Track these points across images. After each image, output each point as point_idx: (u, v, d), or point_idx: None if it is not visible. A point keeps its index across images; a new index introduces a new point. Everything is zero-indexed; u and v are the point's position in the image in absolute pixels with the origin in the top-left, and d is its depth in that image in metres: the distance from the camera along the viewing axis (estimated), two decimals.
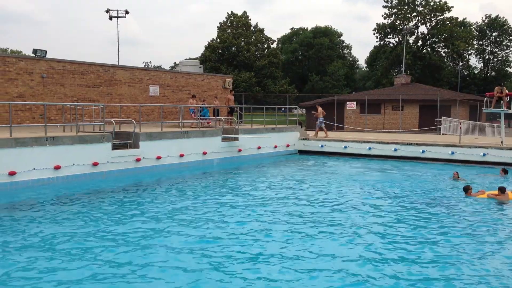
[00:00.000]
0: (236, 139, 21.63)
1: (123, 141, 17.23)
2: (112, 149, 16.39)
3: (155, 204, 12.25)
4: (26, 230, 9.63)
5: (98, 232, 9.52)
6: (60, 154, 14.75)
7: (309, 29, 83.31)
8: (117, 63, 41.88)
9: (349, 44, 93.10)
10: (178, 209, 11.73)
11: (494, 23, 72.41)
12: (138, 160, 17.20)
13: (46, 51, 21.49)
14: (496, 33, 73.00)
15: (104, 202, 12.51)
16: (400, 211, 11.73)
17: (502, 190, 12.79)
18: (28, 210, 11.48)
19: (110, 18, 49.89)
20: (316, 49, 77.15)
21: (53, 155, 14.56)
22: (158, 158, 17.95)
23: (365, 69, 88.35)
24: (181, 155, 18.93)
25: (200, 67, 32.15)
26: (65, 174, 14.90)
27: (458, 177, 16.21)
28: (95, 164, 15.70)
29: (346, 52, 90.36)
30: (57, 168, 14.63)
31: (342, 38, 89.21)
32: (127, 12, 50.10)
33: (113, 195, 13.54)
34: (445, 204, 12.59)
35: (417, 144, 22.31)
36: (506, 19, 72.29)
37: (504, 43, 73.08)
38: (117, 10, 49.95)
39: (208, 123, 22.76)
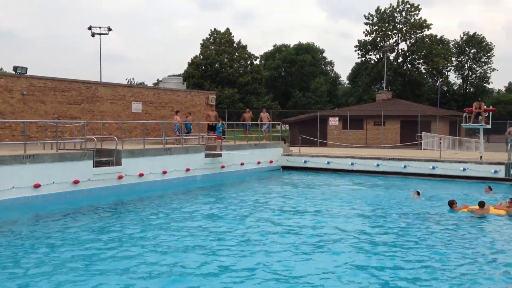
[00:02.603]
0: (219, 155, 21.59)
1: (105, 158, 17.07)
2: (93, 167, 16.21)
3: (136, 224, 12.11)
4: (1, 250, 9.44)
5: (77, 252, 9.36)
6: (40, 172, 14.53)
7: (291, 46, 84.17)
8: (99, 80, 41.69)
9: (331, 60, 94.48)
10: (158, 228, 11.62)
11: (472, 40, 74.08)
12: (120, 177, 17.03)
13: (26, 68, 21.29)
14: (474, 50, 74.64)
15: (83, 221, 12.34)
16: (383, 228, 11.80)
17: (481, 204, 13.08)
18: (5, 229, 11.26)
19: (93, 35, 49.68)
20: (299, 65, 77.89)
21: (32, 173, 14.34)
22: (141, 175, 17.81)
23: (347, 85, 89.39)
24: (164, 172, 18.81)
25: (183, 83, 32.13)
26: (45, 193, 14.65)
27: (419, 196, 15.65)
28: (76, 182, 15.49)
29: (328, 68, 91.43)
30: (36, 186, 14.40)
31: (324, 54, 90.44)
32: (109, 29, 49.96)
33: (94, 213, 13.36)
34: (430, 218, 12.73)
35: (399, 159, 22.51)
36: (483, 36, 74.13)
37: (482, 60, 74.73)
38: (100, 27, 49.82)
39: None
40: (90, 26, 49.50)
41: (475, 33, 74.29)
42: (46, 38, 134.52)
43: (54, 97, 21.96)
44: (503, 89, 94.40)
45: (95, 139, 17.06)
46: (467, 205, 13.66)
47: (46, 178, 14.68)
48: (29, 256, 9.05)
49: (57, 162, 15.07)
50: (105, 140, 19.93)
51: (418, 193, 15.84)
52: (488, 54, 74.33)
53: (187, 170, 19.91)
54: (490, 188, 17.34)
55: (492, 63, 74.99)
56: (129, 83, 76.31)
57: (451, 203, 13.72)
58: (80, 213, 13.35)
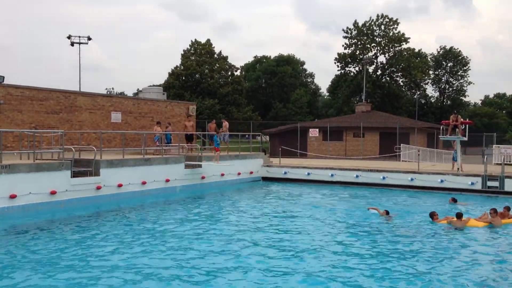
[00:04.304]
0: (200, 166, 21.48)
1: (83, 168, 16.83)
2: (71, 177, 15.97)
3: (113, 236, 11.94)
4: None
5: (52, 265, 9.18)
6: (16, 182, 14.26)
7: (272, 58, 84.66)
8: (78, 89, 41.21)
9: (312, 72, 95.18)
10: (135, 241, 11.48)
11: (449, 54, 75.61)
12: (98, 188, 16.80)
13: (3, 77, 20.96)
14: (451, 64, 76.15)
15: (59, 232, 12.11)
16: (360, 240, 11.86)
17: (458, 216, 13.33)
18: None
19: (72, 44, 49.17)
20: (279, 77, 78.32)
21: (8, 184, 14.06)
22: (120, 186, 17.60)
23: (327, 97, 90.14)
24: (143, 183, 18.62)
25: (164, 94, 31.99)
26: (21, 203, 14.37)
27: (388, 214, 14.72)
28: (53, 193, 15.22)
29: (309, 80, 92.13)
30: (12, 197, 14.11)
31: (305, 66, 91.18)
32: (89, 39, 49.55)
33: (70, 224, 13.13)
34: (413, 230, 12.86)
35: (378, 171, 22.72)
36: (460, 50, 75.71)
37: (459, 73, 76.27)
38: (79, 36, 49.38)
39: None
40: (69, 35, 49.08)
41: (451, 47, 75.92)
42: (23, 47, 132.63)
43: (32, 106, 21.62)
44: (479, 102, 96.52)
45: (73, 149, 16.83)
46: (448, 217, 13.83)
47: (22, 188, 14.40)
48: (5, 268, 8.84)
49: (33, 172, 14.82)
50: (84, 150, 19.67)
51: (387, 212, 14.86)
52: (465, 68, 75.96)
53: (167, 180, 19.75)
54: (454, 200, 17.58)
55: (469, 76, 76.79)
56: (108, 93, 75.69)
57: (432, 215, 13.88)
58: (56, 224, 13.10)
